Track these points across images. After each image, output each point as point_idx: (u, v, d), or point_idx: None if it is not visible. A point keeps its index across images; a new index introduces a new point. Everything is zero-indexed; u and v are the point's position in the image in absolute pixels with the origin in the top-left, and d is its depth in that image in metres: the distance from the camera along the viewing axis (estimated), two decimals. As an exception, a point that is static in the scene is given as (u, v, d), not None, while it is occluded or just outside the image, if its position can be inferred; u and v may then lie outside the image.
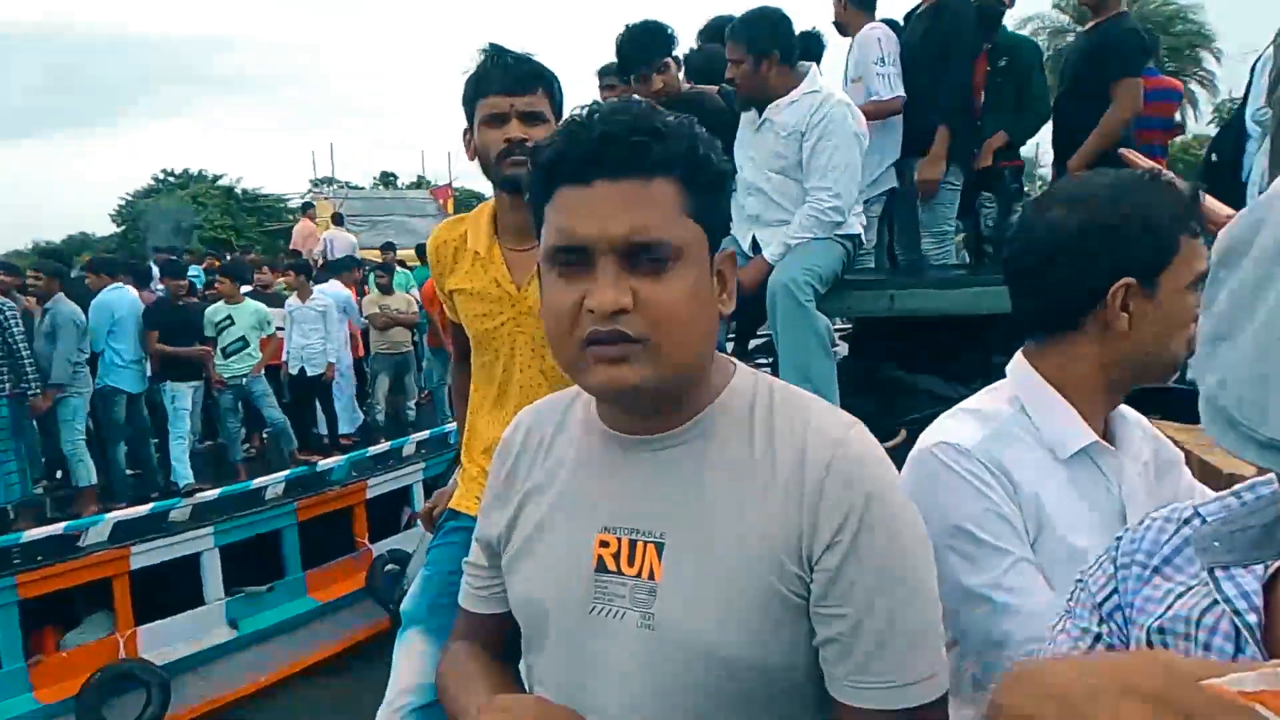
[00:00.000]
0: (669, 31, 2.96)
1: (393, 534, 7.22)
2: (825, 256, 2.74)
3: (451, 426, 6.71)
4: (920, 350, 3.35)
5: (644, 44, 2.90)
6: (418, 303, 8.39)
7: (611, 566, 0.83)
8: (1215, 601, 0.61)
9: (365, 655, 6.11)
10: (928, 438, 1.09)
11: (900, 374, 3.28)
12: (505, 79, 1.59)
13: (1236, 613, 0.59)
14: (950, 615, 0.97)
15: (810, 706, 0.83)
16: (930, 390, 3.18)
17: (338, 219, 12.05)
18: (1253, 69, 3.35)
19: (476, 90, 1.63)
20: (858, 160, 2.77)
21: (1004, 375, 1.15)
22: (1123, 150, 3.50)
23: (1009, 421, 1.07)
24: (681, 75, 3.24)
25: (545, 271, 0.82)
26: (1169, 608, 0.65)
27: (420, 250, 10.18)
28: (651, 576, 0.81)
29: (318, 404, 7.74)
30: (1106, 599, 0.72)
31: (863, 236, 3.00)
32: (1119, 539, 0.74)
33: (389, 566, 6.58)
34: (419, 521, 1.99)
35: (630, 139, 0.76)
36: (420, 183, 27.38)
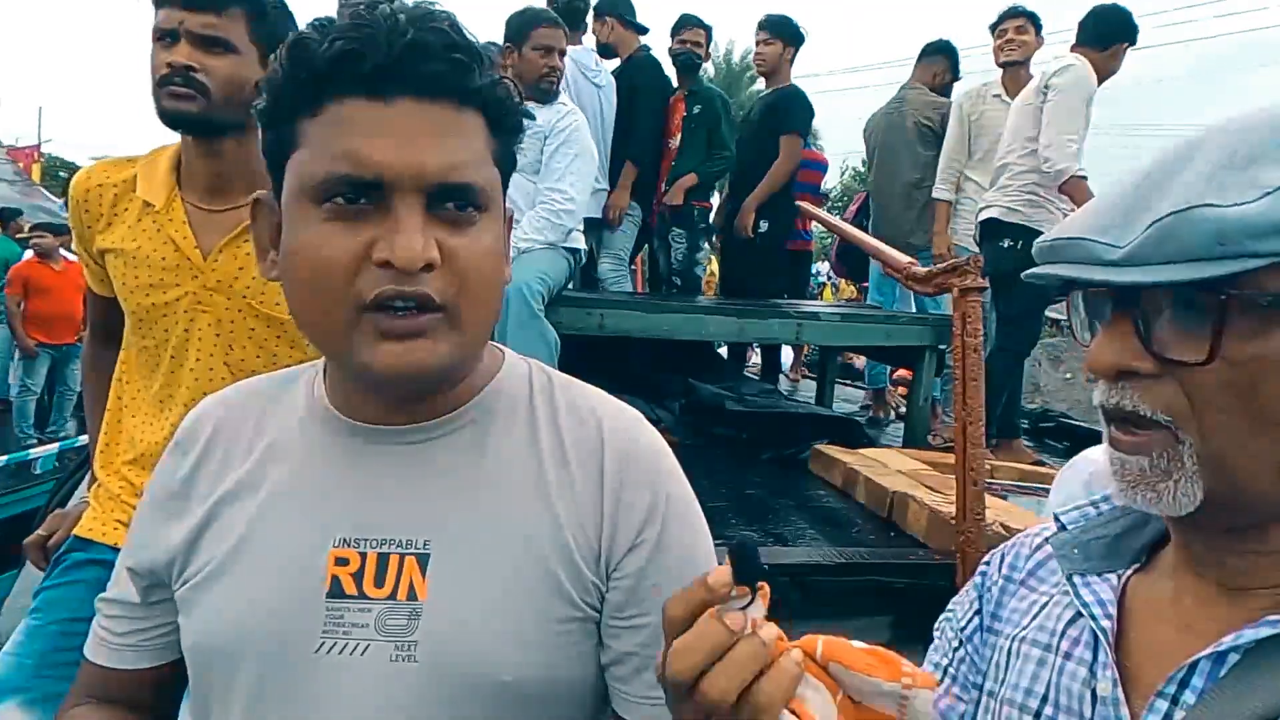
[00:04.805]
0: None
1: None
2: (554, 267, 2.72)
3: (38, 452, 5.23)
4: (623, 370, 3.44)
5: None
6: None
7: (350, 589, 0.66)
8: (1079, 614, 0.62)
9: None
10: None
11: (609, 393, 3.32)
12: None
13: (1093, 618, 0.60)
14: None
15: None
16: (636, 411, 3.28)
17: None
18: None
19: None
20: (592, 175, 2.84)
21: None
22: (800, 202, 4.09)
23: None
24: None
25: (303, 211, 0.63)
26: (1034, 619, 0.66)
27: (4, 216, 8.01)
28: (413, 596, 0.66)
29: None
30: (968, 624, 0.72)
31: (583, 254, 3.03)
32: (986, 563, 0.75)
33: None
34: (26, 555, 1.48)
35: (450, 55, 0.61)
36: (-13, 141, 21.33)
